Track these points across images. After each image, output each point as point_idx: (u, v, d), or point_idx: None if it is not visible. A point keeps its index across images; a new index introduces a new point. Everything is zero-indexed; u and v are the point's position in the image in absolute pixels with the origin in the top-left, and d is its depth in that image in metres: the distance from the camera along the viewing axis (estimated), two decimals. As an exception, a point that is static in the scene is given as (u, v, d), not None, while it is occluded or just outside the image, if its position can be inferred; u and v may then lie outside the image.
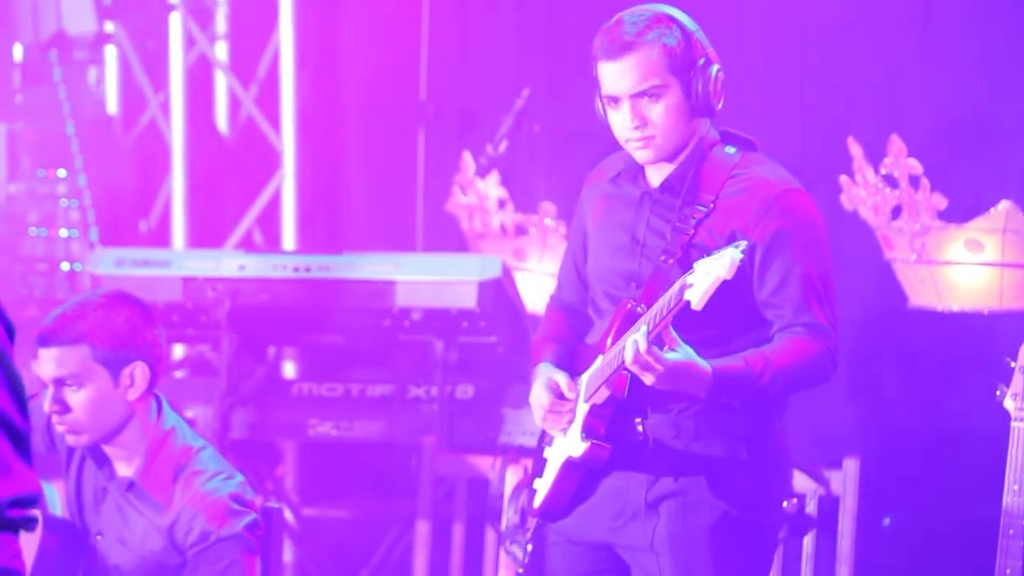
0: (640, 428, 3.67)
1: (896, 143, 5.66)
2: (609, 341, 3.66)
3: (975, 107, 5.83)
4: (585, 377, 3.73)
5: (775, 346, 3.63)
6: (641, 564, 3.71)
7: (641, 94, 3.64)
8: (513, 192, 6.35)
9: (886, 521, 5.73)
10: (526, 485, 3.99)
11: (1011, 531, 3.93)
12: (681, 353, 3.50)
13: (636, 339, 3.46)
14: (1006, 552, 3.93)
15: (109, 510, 3.89)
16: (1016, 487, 3.92)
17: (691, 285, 3.39)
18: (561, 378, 3.74)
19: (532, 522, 3.87)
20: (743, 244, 3.41)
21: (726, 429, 3.67)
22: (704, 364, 3.53)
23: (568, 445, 3.72)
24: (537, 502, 3.81)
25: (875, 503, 5.34)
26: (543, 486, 3.80)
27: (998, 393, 4.00)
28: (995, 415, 4.02)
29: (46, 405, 3.81)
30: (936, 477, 5.65)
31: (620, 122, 3.68)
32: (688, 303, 3.39)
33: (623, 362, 3.52)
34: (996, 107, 5.77)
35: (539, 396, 3.75)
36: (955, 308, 5.64)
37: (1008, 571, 3.92)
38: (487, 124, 6.42)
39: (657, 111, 3.65)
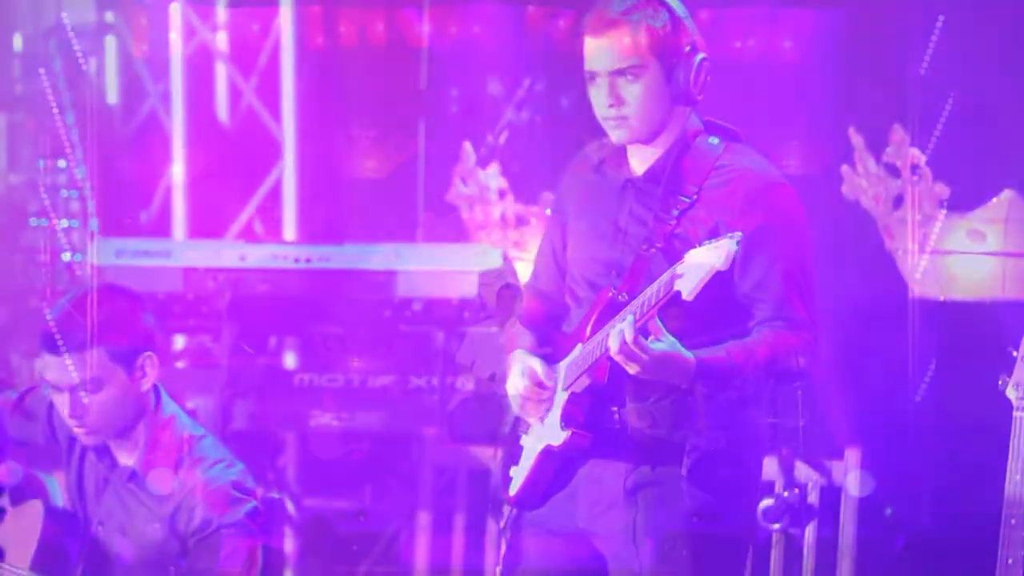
0: (616, 417, 3.65)
1: (898, 133, 5.65)
2: (588, 329, 3.65)
3: (977, 97, 5.82)
4: (563, 365, 3.71)
5: (756, 338, 3.62)
6: (618, 554, 3.69)
7: (620, 72, 3.62)
8: (513, 182, 6.33)
9: (888, 511, 5.72)
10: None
11: (1013, 520, 3.92)
12: (666, 343, 3.48)
13: (622, 328, 3.45)
14: (1008, 542, 3.93)
15: (110, 500, 3.89)
16: (1018, 477, 3.92)
17: (682, 275, 3.38)
18: (538, 365, 3.72)
19: (507, 511, 3.83)
20: (738, 235, 3.39)
21: (704, 418, 3.65)
22: (688, 354, 3.52)
23: (546, 433, 3.70)
24: (513, 490, 3.78)
25: (876, 493, 5.33)
26: (519, 474, 3.77)
27: (1000, 383, 3.99)
28: (997, 405, 4.01)
29: (64, 411, 3.79)
30: (938, 467, 5.64)
31: (597, 99, 3.66)
32: (678, 293, 3.38)
33: (606, 351, 3.50)
34: (998, 96, 5.76)
35: (516, 383, 3.73)
36: (957, 298, 5.63)
37: (1010, 561, 3.92)
38: (488, 114, 6.40)
39: (634, 91, 3.63)
